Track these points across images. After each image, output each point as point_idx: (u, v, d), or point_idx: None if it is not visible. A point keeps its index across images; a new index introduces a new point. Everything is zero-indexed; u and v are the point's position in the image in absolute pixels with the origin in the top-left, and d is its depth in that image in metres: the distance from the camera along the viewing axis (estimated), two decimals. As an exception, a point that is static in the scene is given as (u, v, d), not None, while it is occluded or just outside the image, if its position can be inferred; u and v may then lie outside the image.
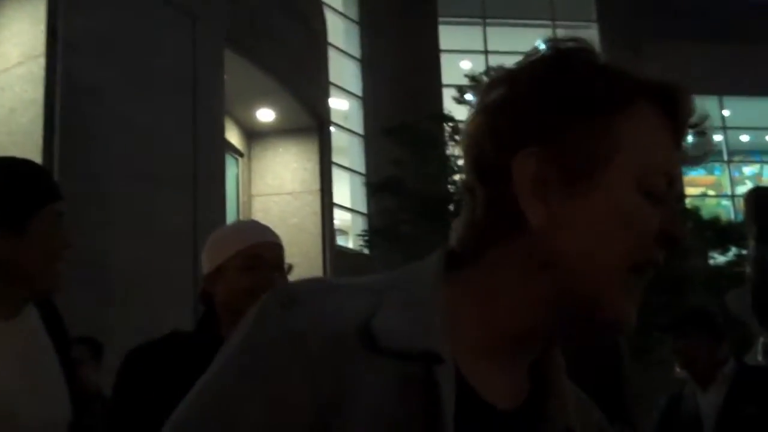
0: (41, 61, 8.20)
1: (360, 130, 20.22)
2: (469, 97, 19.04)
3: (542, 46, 1.15)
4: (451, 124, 18.72)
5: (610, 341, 2.40)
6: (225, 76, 10.98)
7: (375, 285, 1.11)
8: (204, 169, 9.91)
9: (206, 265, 2.79)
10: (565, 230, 1.07)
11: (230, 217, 11.72)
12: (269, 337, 1.04)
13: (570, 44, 1.14)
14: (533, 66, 1.14)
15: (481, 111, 1.15)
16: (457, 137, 18.26)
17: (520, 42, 23.26)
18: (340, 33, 19.94)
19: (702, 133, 1.14)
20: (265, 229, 2.87)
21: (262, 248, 2.75)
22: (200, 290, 2.81)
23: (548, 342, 1.15)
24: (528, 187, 1.07)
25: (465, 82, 19.44)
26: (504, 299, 1.10)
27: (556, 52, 1.13)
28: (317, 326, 1.03)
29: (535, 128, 1.08)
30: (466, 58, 22.96)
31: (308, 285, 1.12)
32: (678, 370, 5.17)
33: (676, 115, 1.12)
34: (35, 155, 7.79)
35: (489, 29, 23.88)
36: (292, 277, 2.86)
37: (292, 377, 1.01)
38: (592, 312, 1.08)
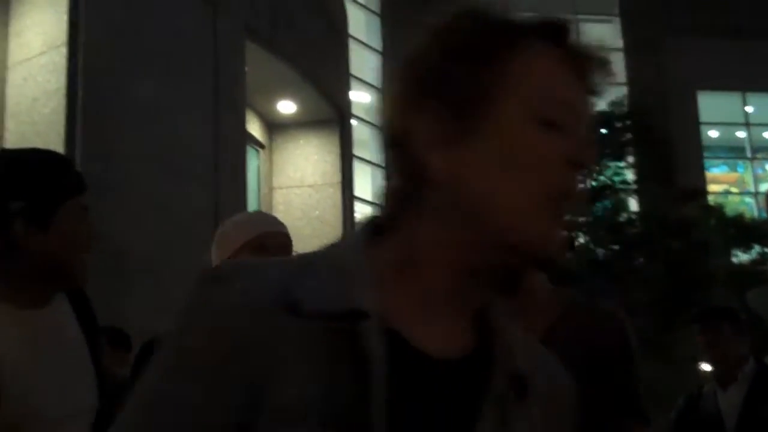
0: (63, 51, 8.21)
1: (381, 123, 20.22)
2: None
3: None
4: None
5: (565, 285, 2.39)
6: (246, 68, 10.99)
7: (302, 258, 1.17)
8: (226, 160, 9.93)
9: (215, 261, 2.79)
10: (468, 174, 1.10)
11: (251, 209, 11.74)
12: (196, 319, 1.09)
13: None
14: (425, 31, 1.18)
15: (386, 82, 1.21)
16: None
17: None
18: (362, 25, 19.90)
19: (605, 62, 1.16)
20: (270, 219, 2.87)
21: (267, 238, 2.75)
22: None
23: (483, 286, 1.17)
24: (426, 141, 1.11)
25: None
26: (428, 253, 1.13)
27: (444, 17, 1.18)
28: (242, 301, 1.06)
29: (426, 85, 1.13)
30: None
31: (234, 263, 1.18)
32: (703, 367, 5.15)
33: (567, 47, 1.15)
34: (58, 145, 7.82)
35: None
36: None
37: (222, 355, 1.04)
38: (513, 243, 1.10)
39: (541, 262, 1.14)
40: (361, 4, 20.26)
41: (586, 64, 1.16)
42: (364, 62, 19.98)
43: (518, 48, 1.13)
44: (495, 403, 1.13)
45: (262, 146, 14.61)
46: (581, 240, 17.28)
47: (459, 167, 1.11)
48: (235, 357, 1.04)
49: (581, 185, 1.15)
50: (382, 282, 1.11)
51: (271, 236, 2.77)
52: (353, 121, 16.36)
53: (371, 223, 1.20)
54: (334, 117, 14.80)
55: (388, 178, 1.19)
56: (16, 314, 2.26)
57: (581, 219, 17.11)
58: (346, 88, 15.95)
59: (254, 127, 13.82)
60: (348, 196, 14.82)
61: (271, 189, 14.77)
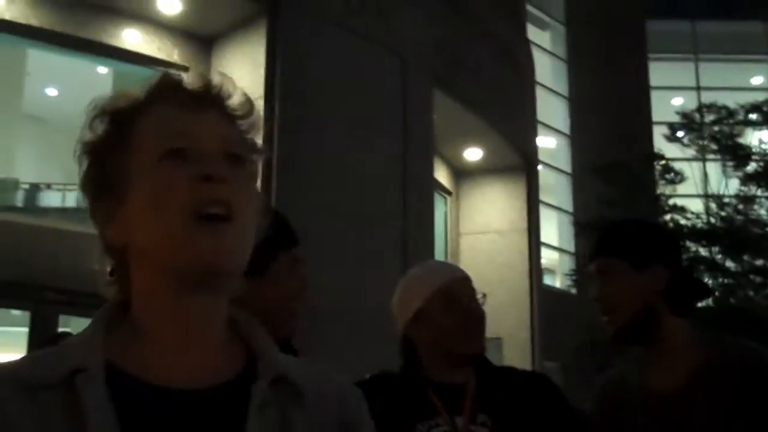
0: (260, 104, 8.55)
1: (567, 168, 20.04)
2: (681, 134, 18.58)
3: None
4: (662, 162, 18.31)
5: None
6: (434, 116, 11.14)
7: (46, 348, 1.27)
8: (413, 207, 10.06)
9: (402, 314, 2.83)
10: (135, 229, 1.24)
11: (439, 256, 11.82)
12: None
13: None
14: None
15: None
16: (667, 176, 17.84)
17: (733, 77, 22.65)
18: (548, 71, 19.86)
19: (215, 89, 1.32)
20: (454, 267, 2.90)
21: (455, 284, 2.79)
22: (400, 340, 2.85)
23: (209, 310, 1.27)
24: (100, 222, 1.28)
25: (677, 119, 19.00)
26: (142, 305, 1.27)
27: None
28: None
29: (88, 182, 1.31)
30: (677, 94, 22.43)
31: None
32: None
33: (171, 96, 1.30)
34: (254, 194, 8.13)
35: (701, 64, 23.26)
36: (498, 307, 2.89)
37: None
38: (188, 264, 1.21)
39: (211, 271, 1.23)
40: (547, 51, 20.24)
41: (199, 98, 1.30)
42: (551, 108, 19.91)
43: (140, 116, 1.29)
44: (263, 406, 1.22)
45: (449, 193, 14.73)
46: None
47: (125, 231, 1.26)
48: None
49: (225, 192, 1.23)
50: (121, 345, 1.24)
51: (459, 282, 2.80)
52: (539, 167, 16.30)
53: (108, 307, 1.31)
54: (520, 163, 14.79)
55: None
56: None
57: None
58: (533, 134, 15.91)
59: (441, 174, 13.95)
60: (534, 243, 14.74)
61: (457, 235, 14.85)
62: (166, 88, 1.31)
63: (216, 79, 1.33)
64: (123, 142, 1.28)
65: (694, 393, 2.44)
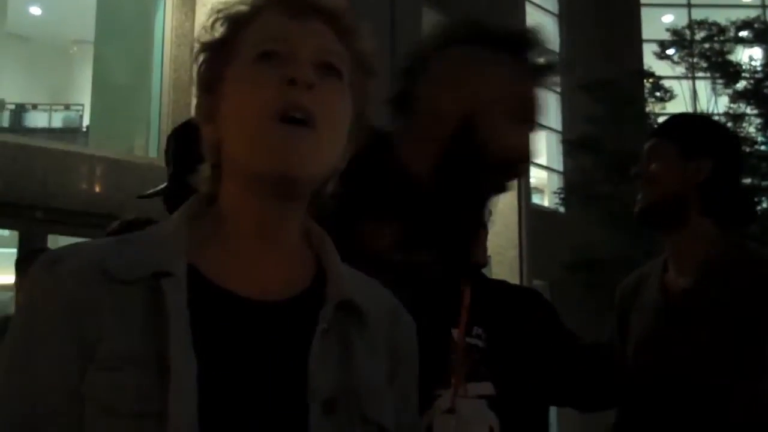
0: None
1: (556, 86, 19.94)
2: (671, 51, 18.50)
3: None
4: (651, 80, 18.25)
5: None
6: (424, 33, 11.06)
7: (123, 237, 1.33)
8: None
9: None
10: (227, 128, 1.29)
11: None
12: (34, 300, 1.23)
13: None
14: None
15: None
16: (657, 94, 17.80)
17: (725, -7, 22.47)
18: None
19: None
20: None
21: None
22: None
23: (284, 219, 1.32)
24: (202, 119, 1.34)
25: (667, 36, 18.90)
26: (226, 206, 1.32)
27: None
28: (70, 276, 1.21)
29: (198, 81, 1.36)
30: (668, 11, 22.26)
31: (72, 246, 1.31)
32: None
33: (285, 3, 1.33)
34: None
35: (693, -19, 23.07)
36: (489, 234, 2.90)
37: (55, 318, 1.19)
38: (261, 175, 1.26)
39: (287, 175, 1.25)
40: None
41: (300, 6, 1.33)
42: (540, 25, 19.73)
43: (252, 21, 1.33)
44: (328, 329, 1.26)
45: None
46: (765, 205, 16.72)
47: (220, 130, 1.30)
48: (64, 320, 1.19)
49: (309, 98, 1.26)
50: (202, 246, 1.28)
51: None
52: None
53: (195, 200, 1.36)
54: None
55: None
56: None
57: (766, 183, 16.63)
58: (522, 51, 15.81)
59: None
60: (524, 184, 14.73)
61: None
62: None
63: None
64: (232, 44, 1.33)
65: (700, 291, 2.47)
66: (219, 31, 1.35)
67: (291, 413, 1.20)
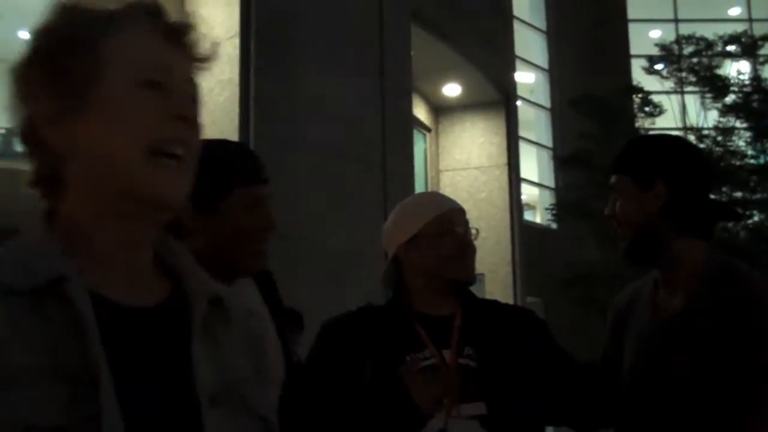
0: (236, 42, 8.48)
1: (546, 103, 20.00)
2: (659, 66, 18.57)
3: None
4: (640, 95, 18.31)
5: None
6: (412, 52, 11.07)
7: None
8: (393, 143, 10.05)
9: (396, 237, 2.84)
10: (86, 143, 1.23)
11: (419, 191, 11.82)
12: None
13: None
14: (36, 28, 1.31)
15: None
16: (647, 109, 17.85)
17: (711, 9, 22.57)
18: (525, 5, 19.74)
19: (192, 29, 1.33)
20: (451, 198, 2.93)
21: (453, 214, 2.81)
22: (389, 265, 2.87)
23: (145, 235, 1.31)
24: (43, 123, 1.25)
25: (655, 51, 18.97)
26: (88, 216, 1.26)
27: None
28: None
29: (36, 75, 1.26)
30: (655, 27, 22.36)
31: None
32: None
33: (159, 23, 1.30)
34: (232, 131, 8.10)
35: (679, -4, 23.17)
36: (480, 243, 2.91)
37: None
38: (139, 198, 1.24)
39: (161, 207, 1.27)
40: (525, -16, 20.07)
41: (179, 34, 1.31)
42: (529, 42, 19.82)
43: (113, 31, 1.27)
44: (205, 326, 1.29)
45: (428, 129, 14.70)
46: (756, 218, 16.74)
47: (80, 138, 1.23)
48: None
49: (190, 133, 1.27)
50: (68, 256, 1.23)
51: (456, 213, 2.83)
52: (518, 102, 16.28)
53: (44, 210, 1.30)
54: (499, 98, 14.77)
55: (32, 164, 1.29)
56: None
57: (756, 197, 16.69)
58: (511, 69, 15.86)
59: (420, 110, 13.91)
60: (514, 178, 14.77)
61: (437, 171, 14.86)
62: (149, 10, 1.32)
63: (192, 18, 1.35)
64: (92, 47, 1.27)
65: (690, 316, 2.45)
66: (65, 23, 1.29)
67: (187, 409, 1.23)
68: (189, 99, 1.29)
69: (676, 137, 2.92)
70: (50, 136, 1.25)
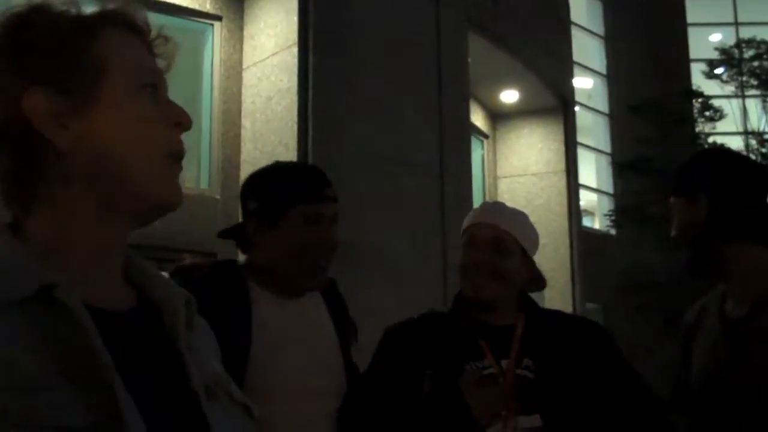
0: (294, 51, 8.54)
1: (605, 108, 19.85)
2: (719, 70, 18.34)
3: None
4: (700, 100, 18.10)
5: None
6: (469, 59, 11.07)
7: None
8: (450, 151, 10.04)
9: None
10: (92, 141, 1.24)
11: (477, 199, 11.81)
12: None
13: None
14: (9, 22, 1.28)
15: None
16: (707, 114, 17.63)
17: (774, 11, 22.23)
18: (583, 10, 19.62)
19: (165, 39, 1.38)
20: (482, 212, 2.91)
21: (475, 228, 2.82)
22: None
23: (125, 238, 1.33)
24: (46, 121, 1.22)
25: (715, 55, 18.75)
26: (73, 221, 1.26)
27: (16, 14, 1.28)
28: None
29: (28, 73, 1.24)
30: (715, 30, 22.09)
31: None
32: None
33: (136, 29, 1.34)
34: (290, 140, 8.16)
35: (739, 0, 22.86)
36: (540, 257, 2.90)
37: None
38: (142, 201, 1.28)
39: (166, 210, 1.30)
40: (582, -11, 19.95)
41: (153, 39, 1.36)
42: (587, 48, 19.70)
43: (107, 32, 1.30)
44: (177, 329, 1.32)
45: (485, 136, 14.67)
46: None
47: (85, 137, 1.24)
48: None
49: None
50: (44, 256, 1.23)
51: (477, 228, 2.83)
52: (576, 108, 16.18)
53: (11, 217, 1.29)
54: (557, 105, 14.69)
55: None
56: (271, 298, 2.47)
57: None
58: (569, 75, 15.77)
59: (477, 118, 13.89)
60: (572, 184, 14.67)
61: (495, 178, 14.82)
62: (128, 17, 1.35)
63: (161, 28, 1.39)
64: (87, 48, 1.28)
65: (754, 319, 2.45)
66: (46, 19, 1.28)
67: (188, 403, 1.27)
68: (178, 105, 1.34)
69: (723, 150, 2.96)
70: (53, 132, 1.24)
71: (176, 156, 1.31)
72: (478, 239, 2.78)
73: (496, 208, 2.91)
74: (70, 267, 1.24)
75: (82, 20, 1.31)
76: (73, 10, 1.32)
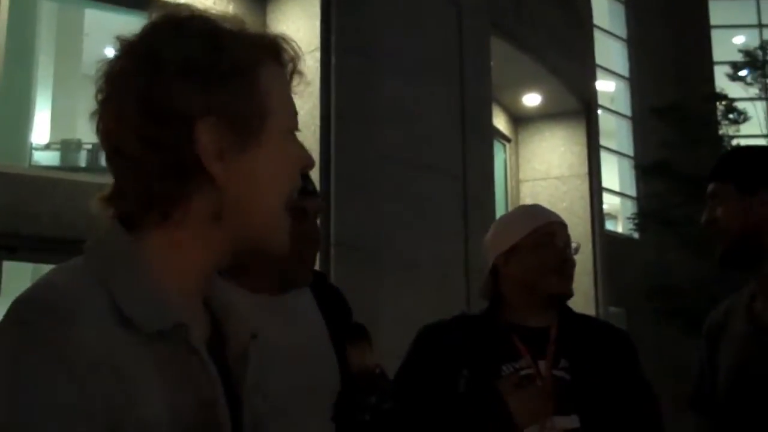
0: (317, 55, 8.57)
1: (627, 111, 19.78)
2: (743, 73, 18.24)
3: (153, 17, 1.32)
4: (724, 102, 18.00)
5: None
6: (491, 63, 11.06)
7: (83, 268, 1.21)
8: (473, 154, 10.04)
9: (496, 248, 2.86)
10: (243, 182, 1.24)
11: (499, 203, 11.80)
12: (41, 357, 1.08)
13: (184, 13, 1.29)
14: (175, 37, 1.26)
15: (128, 80, 1.26)
16: (731, 116, 17.53)
17: (798, 13, 22.11)
18: (606, 13, 19.57)
19: (300, 74, 1.34)
20: (549, 211, 2.93)
21: (553, 227, 2.81)
22: (487, 276, 2.88)
23: (215, 270, 1.34)
24: (210, 151, 1.21)
25: (739, 57, 18.64)
26: (193, 250, 1.26)
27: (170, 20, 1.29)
28: (83, 333, 1.09)
29: (209, 98, 1.21)
30: (739, 32, 21.98)
31: (55, 293, 1.14)
32: None
33: (285, 64, 1.31)
34: (313, 144, 8.17)
35: (763, 2, 22.73)
36: (578, 257, 2.91)
37: (73, 389, 1.07)
38: (262, 247, 1.30)
39: (271, 255, 1.31)
40: (604, -7, 19.90)
41: (295, 77, 1.33)
42: (609, 51, 19.64)
43: (266, 65, 1.27)
44: (245, 361, 1.32)
45: (508, 140, 14.66)
46: None
47: (238, 176, 1.23)
48: (93, 387, 1.08)
49: None
50: (159, 276, 1.23)
51: (559, 226, 2.84)
52: (599, 111, 16.14)
53: (121, 221, 1.27)
54: (579, 108, 14.65)
55: (141, 175, 1.22)
56: (248, 297, 2.44)
57: None
58: (592, 78, 15.74)
59: (500, 121, 13.88)
60: (595, 188, 14.64)
61: (517, 182, 14.80)
62: (285, 56, 1.32)
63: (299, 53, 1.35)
64: (252, 86, 1.25)
65: None
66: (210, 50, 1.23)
67: None
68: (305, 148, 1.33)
69: None
70: (214, 165, 1.22)
71: (293, 201, 1.30)
72: (563, 238, 2.82)
73: (554, 211, 2.96)
74: (179, 295, 1.25)
75: (252, 47, 1.27)
76: (242, 31, 1.28)
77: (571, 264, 2.80)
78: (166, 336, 1.16)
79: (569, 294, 2.80)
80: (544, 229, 2.79)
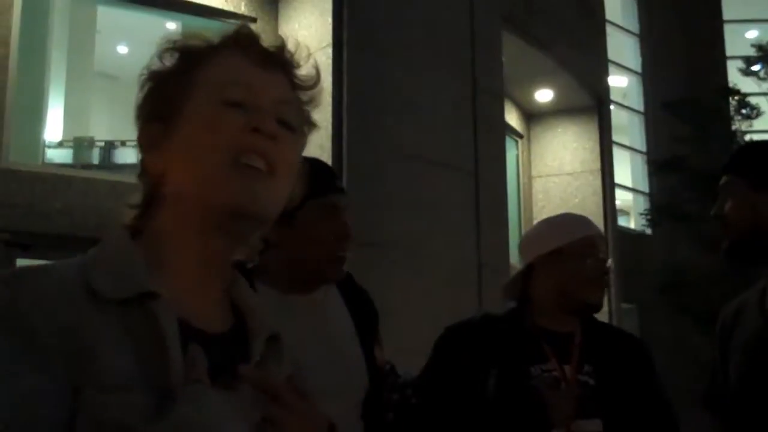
0: (329, 51, 8.57)
1: (640, 107, 19.73)
2: (756, 67, 18.17)
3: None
4: (736, 97, 17.94)
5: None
6: (503, 58, 11.04)
7: (81, 257, 1.31)
8: (484, 150, 10.02)
9: (536, 248, 2.87)
10: (176, 161, 1.33)
11: (511, 199, 11.79)
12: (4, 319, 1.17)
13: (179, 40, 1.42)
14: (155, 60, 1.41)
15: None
16: (743, 111, 17.48)
17: (812, 7, 22.02)
18: (618, 8, 19.51)
19: (288, 53, 1.42)
20: (591, 224, 2.98)
21: (599, 240, 2.85)
22: (521, 271, 2.90)
23: (224, 265, 1.38)
24: (145, 146, 1.37)
25: (752, 52, 18.57)
26: (164, 239, 1.33)
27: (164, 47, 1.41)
28: (43, 296, 1.19)
29: (146, 104, 1.39)
30: (752, 27, 21.89)
31: (27, 266, 1.27)
32: None
33: (244, 47, 1.39)
34: (325, 141, 8.18)
35: (778, -4, 22.65)
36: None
37: (31, 351, 1.15)
38: (214, 210, 1.30)
39: (240, 216, 1.31)
40: (617, -13, 19.85)
41: (273, 58, 1.39)
42: (622, 46, 19.58)
43: (214, 58, 1.38)
44: (260, 360, 1.35)
45: (520, 136, 14.63)
46: None
47: (172, 157, 1.33)
48: (49, 349, 1.15)
49: (270, 147, 1.32)
50: (155, 268, 1.30)
51: (601, 240, 2.88)
52: (611, 107, 16.10)
53: (129, 224, 1.37)
54: (592, 103, 14.62)
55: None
56: (279, 297, 2.45)
57: None
58: (604, 73, 15.69)
59: (512, 117, 13.86)
60: (608, 183, 14.60)
61: (530, 178, 14.78)
62: (242, 39, 1.39)
63: (291, 44, 1.42)
64: (186, 76, 1.36)
65: None
66: (169, 60, 1.39)
67: None
68: (269, 115, 1.34)
69: None
70: (148, 160, 1.36)
71: (248, 162, 1.30)
72: (604, 251, 2.87)
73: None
74: (173, 284, 1.30)
75: (196, 51, 1.39)
76: (201, 42, 1.40)
77: (608, 279, 2.85)
78: (132, 305, 1.23)
79: (601, 307, 2.83)
80: (590, 240, 2.83)
